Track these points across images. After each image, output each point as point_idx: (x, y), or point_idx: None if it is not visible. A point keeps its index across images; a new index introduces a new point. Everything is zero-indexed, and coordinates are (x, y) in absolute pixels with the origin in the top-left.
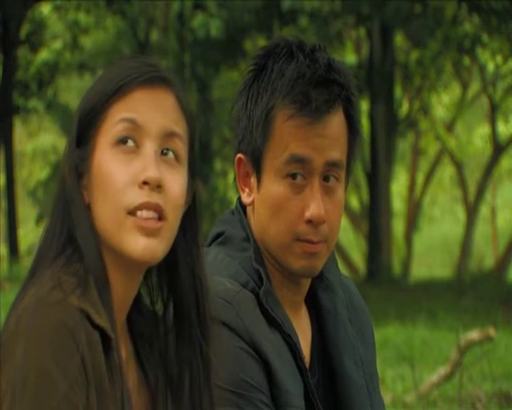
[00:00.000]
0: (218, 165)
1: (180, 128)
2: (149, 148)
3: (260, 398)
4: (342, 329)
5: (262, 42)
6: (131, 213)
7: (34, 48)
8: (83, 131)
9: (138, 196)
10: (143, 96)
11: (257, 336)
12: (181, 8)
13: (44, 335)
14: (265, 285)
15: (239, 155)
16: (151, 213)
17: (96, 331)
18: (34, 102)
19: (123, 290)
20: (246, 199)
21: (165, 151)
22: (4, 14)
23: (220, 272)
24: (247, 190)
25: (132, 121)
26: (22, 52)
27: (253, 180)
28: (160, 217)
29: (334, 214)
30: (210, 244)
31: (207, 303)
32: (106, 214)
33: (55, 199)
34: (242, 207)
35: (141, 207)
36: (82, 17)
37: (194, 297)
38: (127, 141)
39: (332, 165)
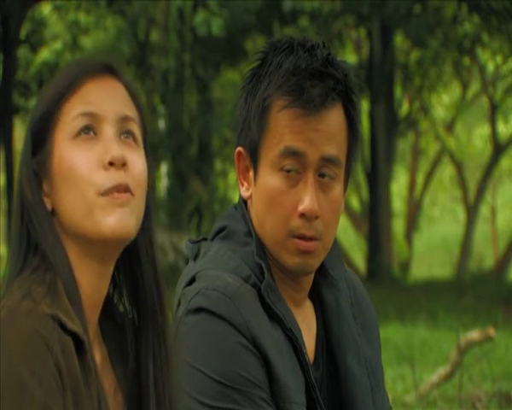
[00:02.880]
0: (218, 165)
1: (133, 113)
2: (108, 132)
3: (259, 394)
4: (346, 327)
5: (262, 42)
6: (104, 195)
7: (34, 48)
8: (38, 137)
9: (107, 179)
10: (94, 87)
11: (257, 331)
12: (181, 7)
13: (18, 345)
14: (267, 280)
15: (238, 149)
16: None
17: (69, 336)
18: (34, 102)
19: (93, 290)
20: (244, 193)
21: (123, 134)
22: (4, 14)
23: (222, 267)
24: (245, 183)
25: (90, 114)
26: (22, 52)
27: (251, 173)
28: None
29: (328, 211)
30: (213, 239)
31: (165, 289)
32: (74, 204)
33: (13, 212)
34: (244, 201)
35: (113, 190)
36: (82, 17)
37: (155, 286)
38: (86, 131)
39: (327, 160)
